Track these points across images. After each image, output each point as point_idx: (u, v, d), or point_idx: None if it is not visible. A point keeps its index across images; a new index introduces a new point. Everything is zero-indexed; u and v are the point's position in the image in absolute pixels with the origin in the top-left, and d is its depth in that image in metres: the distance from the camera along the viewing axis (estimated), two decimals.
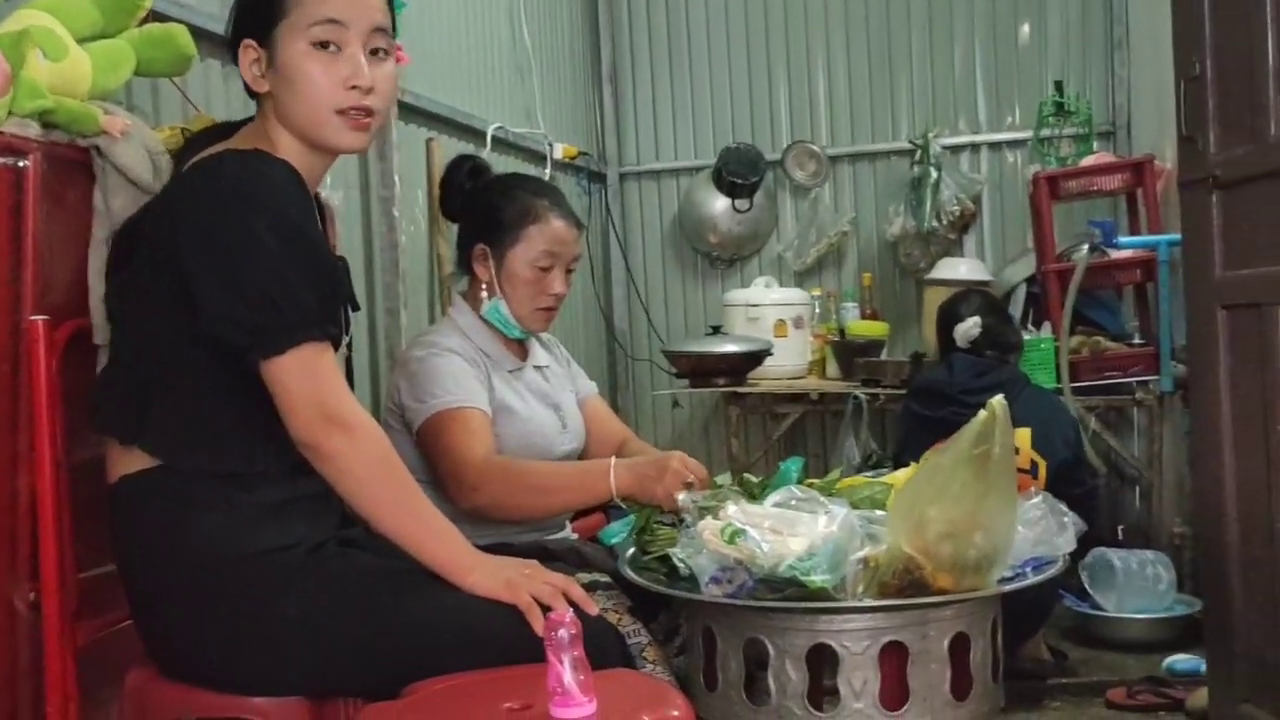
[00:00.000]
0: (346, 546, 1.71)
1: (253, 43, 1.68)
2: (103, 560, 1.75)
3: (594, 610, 1.62)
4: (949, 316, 3.65)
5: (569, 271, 2.35)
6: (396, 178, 3.11)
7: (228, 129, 1.77)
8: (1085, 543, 3.59)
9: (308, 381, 1.56)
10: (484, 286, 2.30)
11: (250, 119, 1.77)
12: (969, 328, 3.55)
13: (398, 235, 3.11)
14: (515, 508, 2.13)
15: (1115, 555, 3.69)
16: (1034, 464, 3.26)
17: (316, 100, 1.66)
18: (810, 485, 2.08)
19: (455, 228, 2.46)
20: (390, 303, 3.12)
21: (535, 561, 1.70)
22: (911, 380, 3.83)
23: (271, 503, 1.63)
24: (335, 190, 2.79)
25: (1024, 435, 3.22)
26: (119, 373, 1.66)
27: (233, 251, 1.55)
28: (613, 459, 2.13)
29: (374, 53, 1.69)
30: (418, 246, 3.39)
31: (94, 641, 1.72)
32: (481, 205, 2.34)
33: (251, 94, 1.75)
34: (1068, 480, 3.33)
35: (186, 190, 1.62)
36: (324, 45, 1.65)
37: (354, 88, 1.66)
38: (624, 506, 2.12)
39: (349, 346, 1.87)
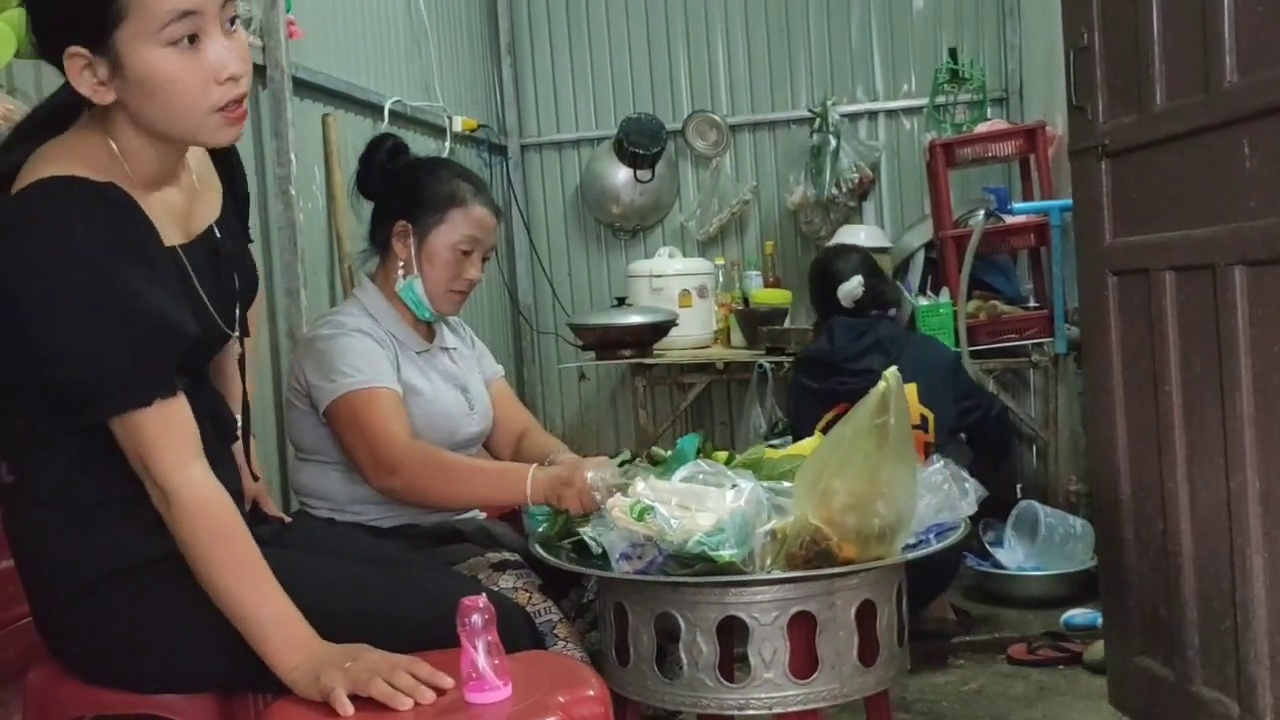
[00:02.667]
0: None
1: (82, 50, 1.43)
2: None
3: (447, 683, 1.47)
4: (828, 278, 3.61)
5: (485, 259, 2.35)
6: (293, 155, 3.05)
7: (57, 119, 1.54)
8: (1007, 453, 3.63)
9: (129, 443, 1.49)
10: (401, 264, 2.29)
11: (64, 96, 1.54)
12: (853, 288, 3.54)
13: (295, 214, 3.06)
14: (430, 494, 2.10)
15: (1042, 511, 3.80)
16: (924, 418, 3.32)
17: (189, 105, 1.46)
18: (730, 459, 2.09)
19: (363, 206, 2.42)
20: (290, 283, 3.07)
21: (366, 646, 1.52)
22: (798, 353, 3.81)
23: None
24: None
25: (910, 391, 3.25)
26: None
27: (41, 320, 1.44)
28: (533, 467, 2.08)
29: (229, 25, 1.48)
30: (316, 225, 3.33)
31: None
32: (405, 182, 2.32)
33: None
34: (962, 413, 3.41)
35: (4, 232, 1.45)
36: (184, 41, 1.43)
37: (228, 79, 1.46)
38: (533, 514, 2.11)
39: (244, 333, 1.80)
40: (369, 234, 2.38)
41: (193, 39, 1.44)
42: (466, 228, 2.29)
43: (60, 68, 1.47)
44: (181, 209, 1.62)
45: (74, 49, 1.43)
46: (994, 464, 3.64)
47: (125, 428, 1.48)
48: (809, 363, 3.60)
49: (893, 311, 3.69)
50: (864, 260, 3.69)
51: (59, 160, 1.47)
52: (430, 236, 2.28)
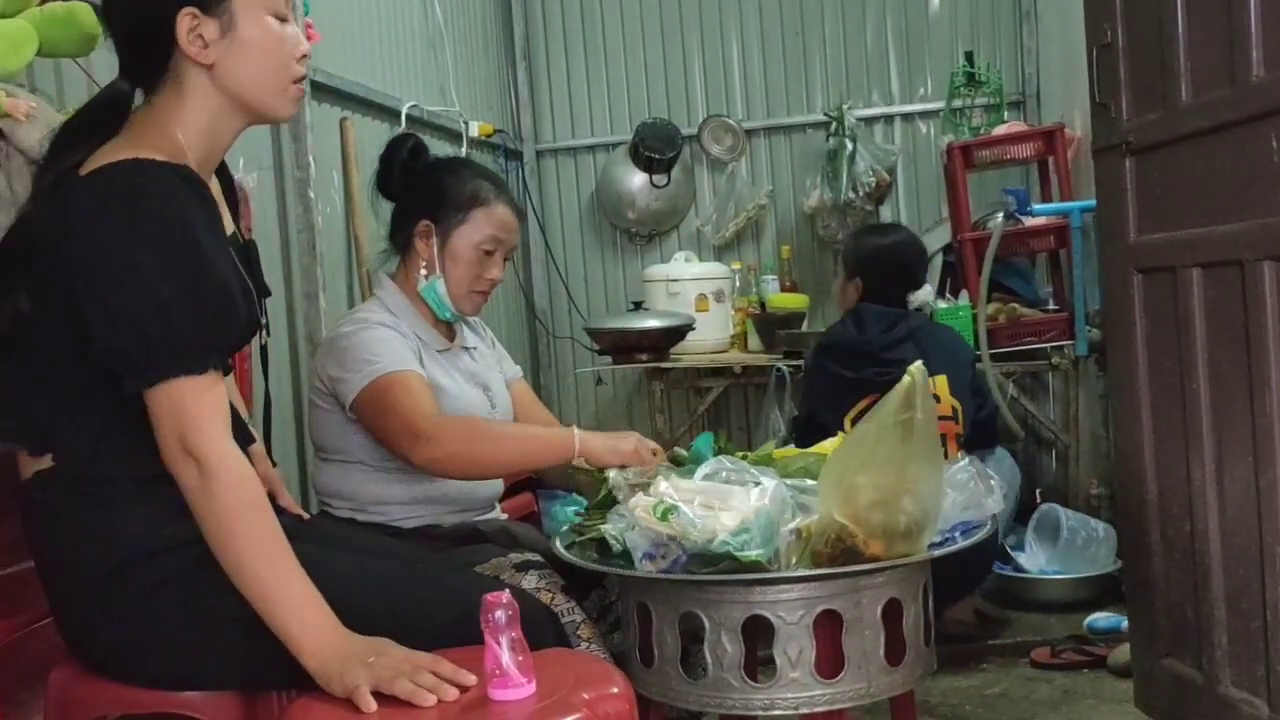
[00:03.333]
0: None
1: (195, 10, 1.59)
2: (16, 558, 1.70)
3: (470, 680, 1.46)
4: (906, 273, 3.50)
5: (506, 259, 2.34)
6: (311, 159, 3.05)
7: (111, 116, 1.63)
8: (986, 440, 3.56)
9: (171, 414, 1.50)
10: (424, 264, 2.28)
11: (108, 96, 1.65)
12: (927, 295, 3.51)
13: (314, 217, 3.06)
14: (472, 457, 2.08)
15: (1063, 514, 3.77)
16: (954, 410, 3.29)
17: (278, 73, 1.65)
18: (743, 458, 2.08)
19: (382, 206, 2.42)
20: (308, 287, 3.07)
21: (389, 641, 1.52)
22: (822, 339, 3.65)
23: None
24: (249, 172, 2.73)
25: (941, 384, 3.23)
26: (20, 382, 1.59)
27: (113, 280, 1.49)
28: (575, 427, 2.12)
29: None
30: (335, 229, 3.33)
31: (10, 642, 1.67)
32: (429, 182, 2.31)
33: (139, 67, 1.63)
34: (977, 407, 3.40)
35: (78, 206, 1.52)
36: (278, 18, 1.65)
37: (303, 57, 1.68)
38: (578, 472, 2.11)
39: (266, 331, 1.83)
40: (389, 234, 2.37)
41: (284, 18, 1.66)
42: (490, 227, 2.28)
43: (140, 37, 1.62)
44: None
45: (189, 9, 1.59)
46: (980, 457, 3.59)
47: (172, 394, 1.50)
48: (838, 350, 3.44)
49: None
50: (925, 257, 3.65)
51: (133, 148, 1.55)
52: (453, 236, 2.27)
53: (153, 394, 1.50)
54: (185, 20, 1.59)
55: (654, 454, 2.06)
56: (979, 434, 3.47)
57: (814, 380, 3.56)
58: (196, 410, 1.50)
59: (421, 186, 2.31)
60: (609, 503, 1.95)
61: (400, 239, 2.33)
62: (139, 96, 1.66)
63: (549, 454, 2.10)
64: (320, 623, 1.51)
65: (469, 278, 2.28)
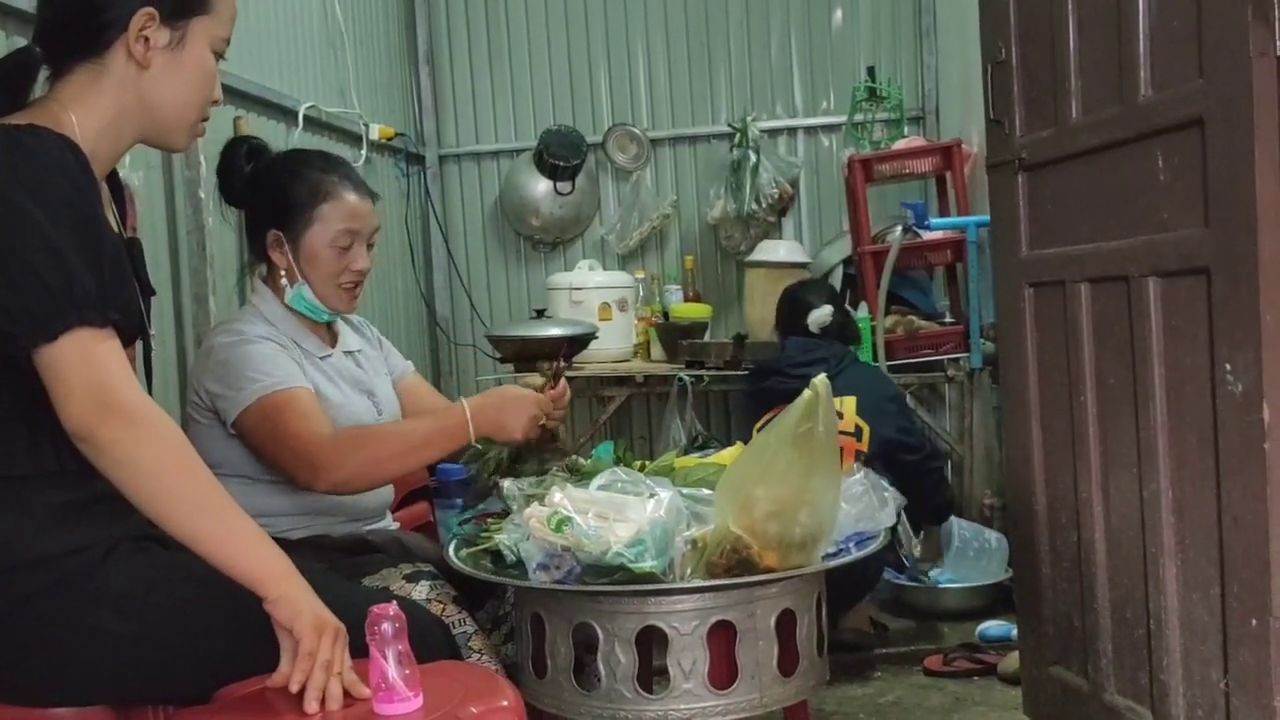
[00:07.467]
0: (150, 544, 1.60)
1: (155, 13, 1.58)
2: None
3: (366, 693, 1.43)
4: (800, 304, 3.66)
5: (369, 246, 2.27)
6: (202, 158, 2.96)
7: (14, 80, 1.61)
8: (941, 510, 3.67)
9: (82, 366, 1.42)
10: (284, 274, 2.20)
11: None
12: (824, 315, 3.57)
13: (204, 218, 2.97)
14: (379, 475, 2.09)
15: (957, 524, 3.83)
16: (858, 428, 3.33)
17: (198, 106, 1.66)
18: (643, 467, 2.07)
19: (233, 214, 2.36)
20: (198, 289, 2.99)
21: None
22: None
23: (66, 503, 1.52)
24: (135, 170, 2.65)
25: (849, 402, 3.27)
26: None
27: (4, 228, 1.43)
28: (464, 402, 2.12)
29: None
30: (225, 230, 3.24)
31: None
32: (268, 188, 2.22)
33: (67, 42, 1.59)
34: (900, 449, 3.41)
35: None
36: (216, 55, 1.67)
37: (215, 101, 1.70)
38: (479, 447, 2.19)
39: (150, 339, 1.76)
40: (248, 244, 2.30)
41: (218, 56, 1.68)
42: (339, 221, 2.20)
43: (88, 13, 1.57)
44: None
45: (150, 10, 1.58)
46: (921, 511, 3.60)
47: (80, 345, 1.43)
48: (753, 370, 3.64)
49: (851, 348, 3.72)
50: (835, 294, 3.80)
51: (23, 118, 1.52)
52: (305, 239, 2.19)
53: (55, 349, 1.42)
54: (141, 18, 1.58)
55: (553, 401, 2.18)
56: (917, 483, 3.34)
57: (740, 403, 3.72)
58: (109, 360, 1.44)
59: (263, 194, 2.22)
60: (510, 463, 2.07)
61: (257, 250, 2.25)
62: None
63: (445, 441, 2.11)
64: (276, 554, 1.49)
65: (333, 274, 2.20)
